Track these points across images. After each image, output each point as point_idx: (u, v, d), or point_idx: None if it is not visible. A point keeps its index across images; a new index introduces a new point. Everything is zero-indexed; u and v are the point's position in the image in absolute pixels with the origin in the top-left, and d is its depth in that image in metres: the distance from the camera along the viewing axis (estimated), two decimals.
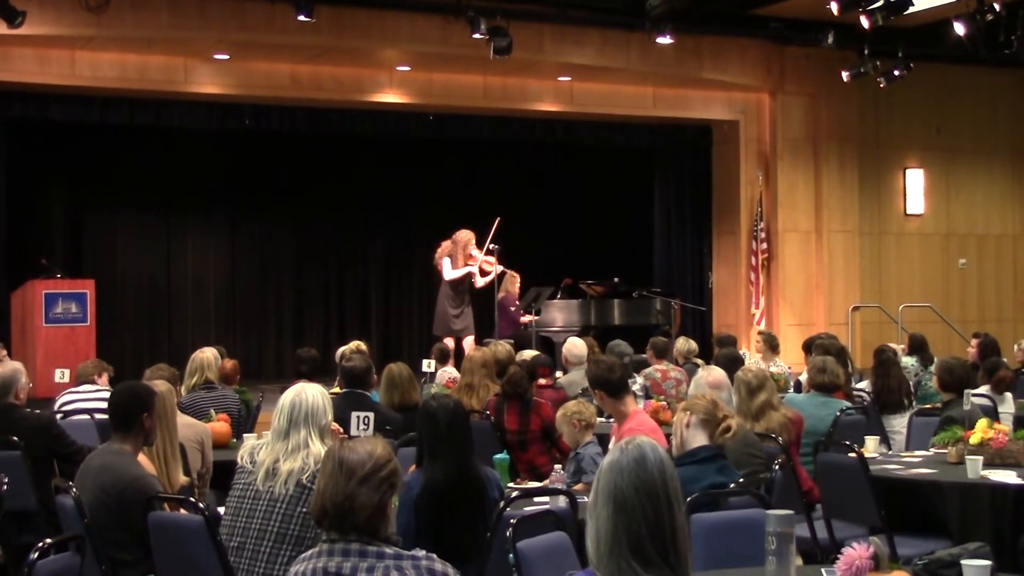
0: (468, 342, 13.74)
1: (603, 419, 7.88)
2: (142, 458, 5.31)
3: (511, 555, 4.05)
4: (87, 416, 7.92)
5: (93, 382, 8.73)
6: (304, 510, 4.42)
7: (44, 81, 13.90)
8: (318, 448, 4.54)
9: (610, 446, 3.84)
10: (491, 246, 14.25)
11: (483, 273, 14.24)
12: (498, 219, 14.19)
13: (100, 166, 16.66)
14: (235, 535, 4.53)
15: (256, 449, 4.65)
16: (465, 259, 13.99)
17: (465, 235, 14.13)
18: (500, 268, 14.44)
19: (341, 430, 5.15)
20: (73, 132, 15.66)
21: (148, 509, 4.87)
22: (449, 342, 13.20)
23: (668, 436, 5.82)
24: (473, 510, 5.03)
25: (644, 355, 11.05)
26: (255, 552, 4.48)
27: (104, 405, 6.23)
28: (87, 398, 8.46)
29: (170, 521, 4.89)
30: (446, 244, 14.13)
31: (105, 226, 17.06)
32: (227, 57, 14.50)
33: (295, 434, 4.57)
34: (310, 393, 4.68)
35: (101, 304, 14.27)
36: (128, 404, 5.22)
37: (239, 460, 4.68)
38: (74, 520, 4.91)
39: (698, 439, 5.07)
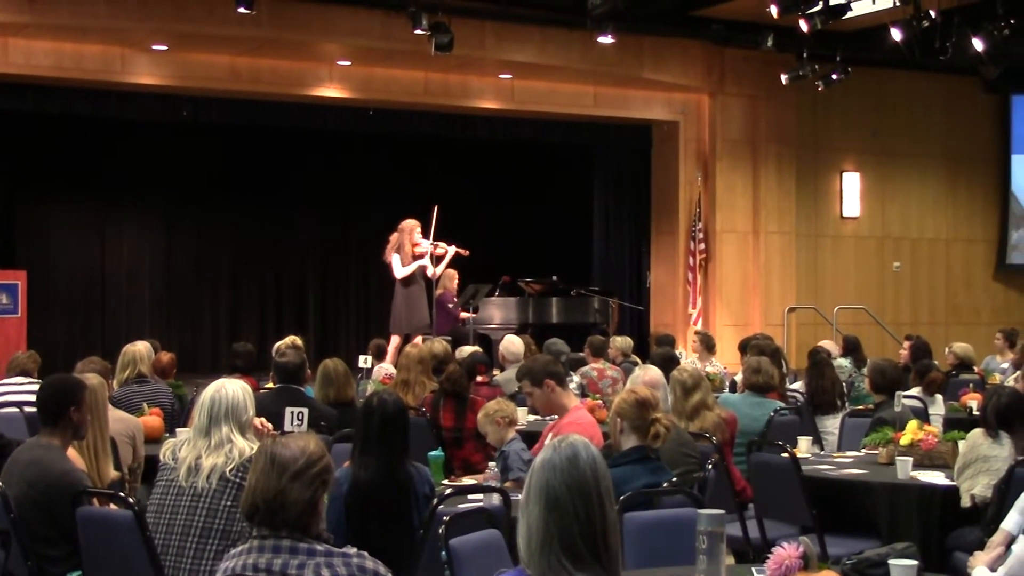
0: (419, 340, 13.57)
1: (536, 418, 7.91)
2: (72, 452, 5.24)
3: (443, 552, 4.04)
4: (16, 409, 7.80)
5: (27, 374, 8.61)
6: (229, 503, 4.40)
7: None
8: (241, 443, 4.53)
9: (546, 441, 3.85)
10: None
11: (436, 260, 13.85)
12: (436, 207, 13.88)
13: (34, 155, 16.44)
14: (159, 532, 4.50)
15: (178, 446, 4.62)
16: (412, 247, 13.59)
17: (410, 223, 13.67)
18: (453, 248, 13.83)
19: (268, 425, 5.09)
20: (6, 120, 15.42)
21: (76, 504, 4.81)
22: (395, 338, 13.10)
23: (604, 434, 5.84)
24: (397, 509, 5.00)
25: (581, 353, 11.08)
26: (180, 548, 4.45)
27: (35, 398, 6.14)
28: (18, 391, 8.34)
29: (99, 516, 4.83)
30: (393, 236, 13.66)
31: (38, 216, 16.83)
32: (165, 48, 14.35)
33: (216, 431, 4.55)
34: (230, 389, 4.65)
35: (33, 295, 14.06)
36: (57, 397, 5.16)
37: (161, 457, 4.65)
38: (0, 515, 4.84)
39: (631, 441, 5.08)
